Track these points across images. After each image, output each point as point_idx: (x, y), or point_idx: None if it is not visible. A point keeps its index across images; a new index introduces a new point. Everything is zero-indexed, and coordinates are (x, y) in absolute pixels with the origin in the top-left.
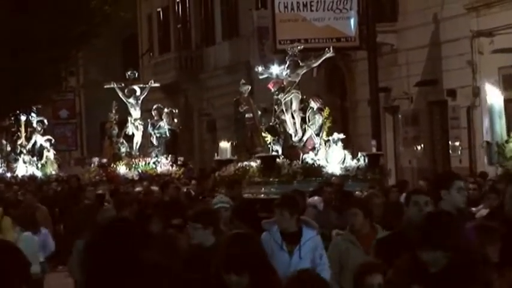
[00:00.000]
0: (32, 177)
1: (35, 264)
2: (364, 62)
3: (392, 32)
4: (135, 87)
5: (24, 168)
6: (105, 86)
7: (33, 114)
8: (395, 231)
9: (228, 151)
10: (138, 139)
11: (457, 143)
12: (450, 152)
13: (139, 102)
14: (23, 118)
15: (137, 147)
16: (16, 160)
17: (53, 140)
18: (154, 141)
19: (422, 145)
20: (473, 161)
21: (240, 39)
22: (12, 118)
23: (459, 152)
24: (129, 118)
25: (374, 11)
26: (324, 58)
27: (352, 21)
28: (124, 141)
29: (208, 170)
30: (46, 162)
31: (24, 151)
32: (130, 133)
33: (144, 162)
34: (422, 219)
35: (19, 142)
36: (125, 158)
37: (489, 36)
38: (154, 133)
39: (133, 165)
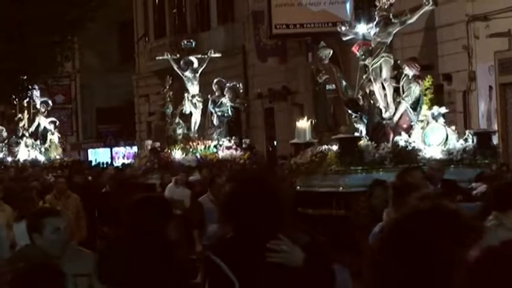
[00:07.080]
0: (34, 162)
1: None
2: None
3: None
4: (193, 58)
5: (26, 152)
6: (158, 58)
7: (36, 94)
8: None
9: (308, 132)
10: (196, 118)
11: (453, 128)
12: None
13: (198, 75)
14: (25, 100)
15: (196, 128)
16: (18, 144)
17: (57, 122)
18: (215, 121)
19: None
20: None
21: (235, 24)
22: (17, 99)
23: None
24: (186, 94)
25: None
26: (422, 12)
27: (347, 5)
28: (181, 121)
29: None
30: (50, 146)
31: (27, 134)
32: (188, 112)
33: (203, 146)
34: None
35: (21, 124)
36: (182, 141)
37: (485, 20)
38: (215, 111)
39: (191, 150)
